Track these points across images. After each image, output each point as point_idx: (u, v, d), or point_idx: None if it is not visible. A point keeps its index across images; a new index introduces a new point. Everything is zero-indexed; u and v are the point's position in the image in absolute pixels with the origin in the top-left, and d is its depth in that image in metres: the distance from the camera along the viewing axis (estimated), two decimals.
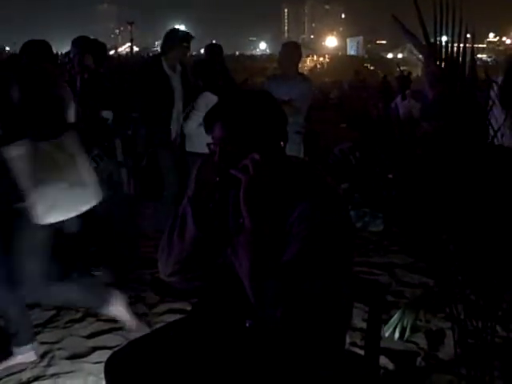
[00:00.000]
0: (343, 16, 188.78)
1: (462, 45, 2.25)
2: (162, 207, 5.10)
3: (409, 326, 2.79)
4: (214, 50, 6.06)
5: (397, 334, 3.00)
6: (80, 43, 4.59)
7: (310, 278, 1.70)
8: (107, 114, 4.37)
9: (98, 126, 4.10)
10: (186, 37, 5.12)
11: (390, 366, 3.15)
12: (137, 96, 5.05)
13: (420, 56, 2.37)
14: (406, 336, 3.04)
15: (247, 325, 1.90)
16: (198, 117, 4.60)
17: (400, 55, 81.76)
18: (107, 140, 4.28)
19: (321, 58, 75.30)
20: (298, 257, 1.71)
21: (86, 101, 3.91)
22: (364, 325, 2.52)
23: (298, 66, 5.50)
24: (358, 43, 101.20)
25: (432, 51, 2.29)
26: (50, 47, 3.75)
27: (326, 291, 1.73)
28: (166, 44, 5.06)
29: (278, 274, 1.69)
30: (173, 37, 5.10)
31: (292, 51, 5.39)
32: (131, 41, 56.60)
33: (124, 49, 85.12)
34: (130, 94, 5.44)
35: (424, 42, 2.30)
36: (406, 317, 2.79)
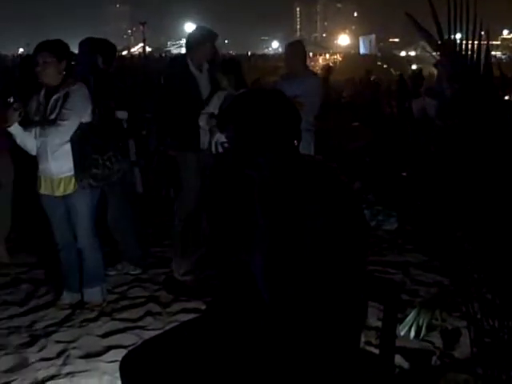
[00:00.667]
0: (355, 14, 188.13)
1: (476, 42, 2.23)
2: (178, 208, 5.09)
3: (424, 325, 2.77)
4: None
5: (412, 333, 2.98)
6: (89, 44, 4.60)
7: (324, 277, 1.70)
8: (122, 115, 4.38)
9: (113, 126, 4.11)
10: (210, 35, 5.04)
11: (406, 364, 3.13)
12: (155, 97, 5.00)
13: (434, 53, 2.35)
14: (421, 335, 3.02)
15: (261, 323, 1.89)
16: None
17: (413, 53, 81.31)
18: (122, 140, 4.29)
19: (333, 57, 75.03)
20: (312, 255, 1.70)
21: (99, 101, 3.92)
22: (379, 324, 2.50)
23: (305, 62, 5.52)
24: (370, 41, 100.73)
25: (446, 49, 2.28)
26: (67, 46, 3.78)
27: (340, 289, 1.72)
28: (190, 43, 4.99)
29: (291, 271, 1.69)
30: (197, 36, 5.04)
31: (297, 49, 5.43)
32: (144, 41, 56.64)
33: (137, 49, 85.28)
34: (144, 94, 5.45)
35: (438, 40, 2.28)
36: (421, 316, 2.78)
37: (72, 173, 3.75)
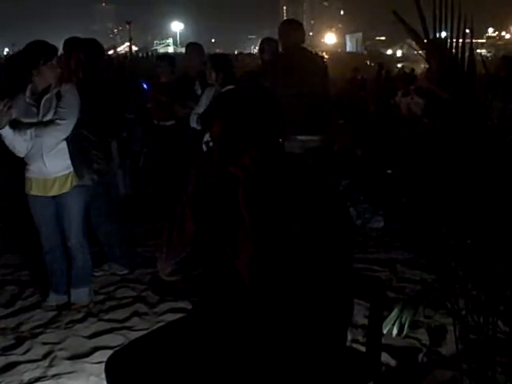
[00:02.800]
0: (342, 13, 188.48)
1: (461, 40, 2.24)
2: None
3: (407, 323, 2.77)
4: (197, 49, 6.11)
5: (395, 331, 2.98)
6: (72, 43, 4.57)
7: (310, 275, 1.70)
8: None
9: (98, 126, 4.09)
10: None
11: (392, 362, 3.14)
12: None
13: (421, 52, 2.36)
14: (404, 332, 3.02)
15: (248, 322, 1.89)
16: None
17: (399, 51, 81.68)
18: (105, 141, 4.28)
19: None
20: (298, 254, 1.70)
21: (86, 101, 3.89)
22: (366, 321, 2.51)
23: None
24: (357, 40, 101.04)
25: (432, 47, 2.28)
26: (54, 48, 3.75)
27: (326, 287, 1.72)
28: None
29: (277, 271, 1.69)
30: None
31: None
32: (130, 40, 56.38)
33: (123, 48, 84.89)
34: (127, 95, 5.42)
35: (424, 38, 2.28)
36: (404, 313, 2.78)
37: (67, 171, 3.75)
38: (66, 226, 3.85)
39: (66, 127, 3.68)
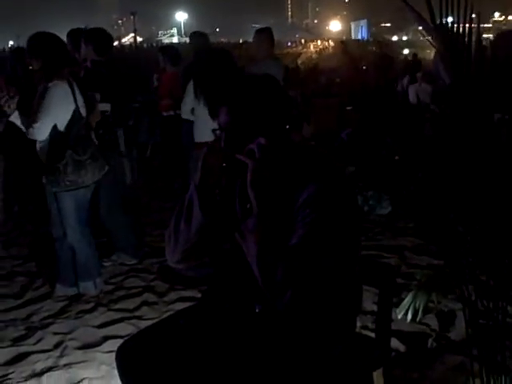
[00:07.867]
0: (347, 0, 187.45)
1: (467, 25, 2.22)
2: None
3: (421, 308, 2.77)
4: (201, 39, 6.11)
5: (409, 316, 2.98)
6: (80, 34, 4.55)
7: (318, 261, 1.70)
8: (104, 107, 4.29)
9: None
10: None
11: (402, 347, 3.15)
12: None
13: (429, 38, 2.34)
14: (418, 318, 3.02)
15: (257, 310, 1.89)
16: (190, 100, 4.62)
17: (405, 37, 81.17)
18: (108, 133, 4.27)
19: (325, 43, 74.51)
20: (306, 240, 1.70)
21: (85, 94, 3.86)
22: (375, 308, 2.51)
23: (270, 48, 5.60)
24: (362, 27, 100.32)
25: (439, 32, 2.26)
26: (45, 39, 3.71)
27: (334, 274, 1.72)
28: None
29: (286, 257, 1.68)
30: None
31: (265, 36, 5.57)
32: (134, 31, 56.20)
33: (127, 39, 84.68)
34: (134, 84, 5.41)
35: (430, 23, 2.26)
36: (418, 298, 2.77)
37: None
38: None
39: (38, 131, 3.58)
